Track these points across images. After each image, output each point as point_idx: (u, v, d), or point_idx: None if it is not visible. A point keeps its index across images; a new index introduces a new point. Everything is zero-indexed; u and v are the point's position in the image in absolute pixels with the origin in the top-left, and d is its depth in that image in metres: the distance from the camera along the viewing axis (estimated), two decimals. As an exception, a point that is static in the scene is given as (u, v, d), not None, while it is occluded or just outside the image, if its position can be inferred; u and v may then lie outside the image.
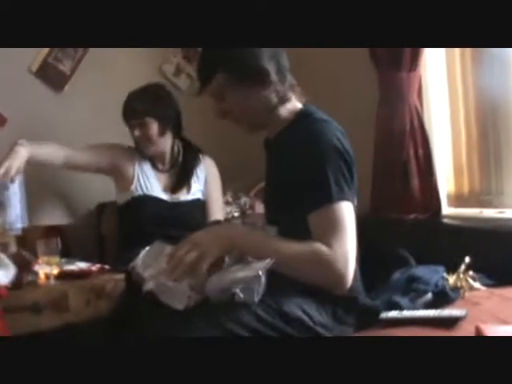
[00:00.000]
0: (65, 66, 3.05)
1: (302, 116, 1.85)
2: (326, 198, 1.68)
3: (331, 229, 1.66)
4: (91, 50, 3.08)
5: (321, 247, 1.65)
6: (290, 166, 1.76)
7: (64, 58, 3.05)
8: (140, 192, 2.69)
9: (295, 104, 1.88)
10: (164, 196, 2.71)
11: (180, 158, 2.79)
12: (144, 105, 2.66)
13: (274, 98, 1.82)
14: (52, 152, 2.61)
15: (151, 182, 2.71)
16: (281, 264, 1.65)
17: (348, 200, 1.71)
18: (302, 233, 1.69)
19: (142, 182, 2.70)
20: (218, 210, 2.78)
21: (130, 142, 2.78)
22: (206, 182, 2.80)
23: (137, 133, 2.67)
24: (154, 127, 2.66)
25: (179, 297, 1.68)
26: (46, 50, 3.00)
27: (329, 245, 1.65)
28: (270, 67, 1.79)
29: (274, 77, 1.79)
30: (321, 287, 1.70)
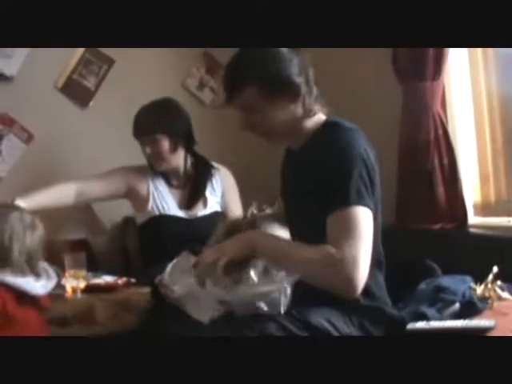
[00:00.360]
0: (89, 82, 3.09)
1: (328, 125, 1.85)
2: (343, 201, 1.67)
3: (344, 231, 1.65)
4: (115, 65, 3.12)
5: (330, 250, 1.63)
6: (315, 173, 1.76)
7: (88, 75, 3.08)
8: (156, 212, 2.68)
9: (319, 115, 1.88)
10: (181, 213, 2.70)
11: (193, 173, 2.77)
12: (154, 121, 2.63)
13: (300, 111, 1.83)
14: (58, 194, 2.59)
15: (167, 200, 2.70)
16: (293, 268, 1.66)
17: (367, 206, 1.70)
18: (320, 240, 1.68)
19: (157, 201, 2.69)
20: None
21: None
22: (223, 194, 2.78)
23: (148, 150, 2.65)
24: (164, 144, 2.64)
25: (205, 309, 1.69)
26: (71, 66, 3.05)
27: (339, 246, 1.63)
28: (301, 80, 1.80)
29: (303, 90, 1.80)
30: (331, 291, 1.68)
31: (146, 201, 2.70)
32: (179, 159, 2.71)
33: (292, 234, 1.95)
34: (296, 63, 1.80)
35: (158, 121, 2.63)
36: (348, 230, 1.65)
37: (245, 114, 1.85)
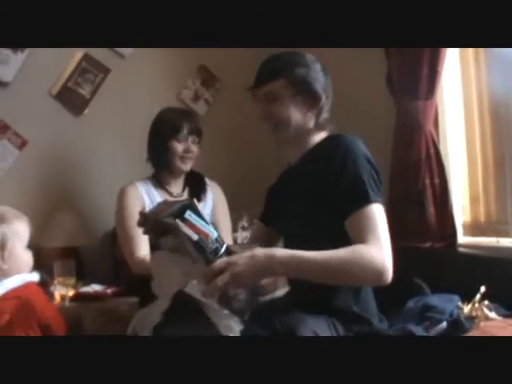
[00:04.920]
0: (84, 90, 3.10)
1: (329, 138, 1.95)
2: (364, 200, 1.75)
3: (368, 227, 1.72)
4: (110, 74, 3.13)
5: (360, 247, 1.69)
6: (324, 179, 1.82)
7: (84, 83, 3.09)
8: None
9: (324, 133, 1.98)
10: None
11: (188, 184, 2.77)
12: (200, 126, 2.71)
13: (313, 123, 1.94)
14: None
15: None
16: (325, 275, 1.68)
17: (381, 203, 1.78)
18: (330, 246, 1.70)
19: None
20: (226, 235, 2.72)
21: (145, 166, 2.77)
22: (213, 208, 2.76)
23: (184, 146, 2.64)
24: (198, 146, 2.70)
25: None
26: (67, 74, 3.06)
27: (367, 241, 1.69)
28: (323, 94, 1.93)
29: (322, 103, 1.93)
30: (366, 284, 1.80)
31: None
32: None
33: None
34: (324, 80, 1.95)
35: (199, 126, 2.72)
36: (371, 226, 1.72)
37: (265, 104, 1.94)
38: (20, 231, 2.14)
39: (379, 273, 1.67)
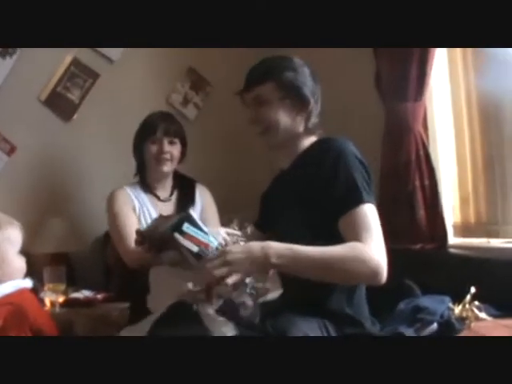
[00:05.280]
0: (73, 95, 3.09)
1: (319, 141, 1.97)
2: (357, 200, 1.77)
3: (362, 227, 1.74)
4: (99, 79, 3.12)
5: (356, 244, 1.71)
6: (315, 183, 1.83)
7: (72, 88, 3.08)
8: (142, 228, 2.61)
9: (313, 137, 1.99)
10: None
11: (176, 188, 2.78)
12: (179, 127, 2.73)
13: (302, 127, 1.95)
14: None
15: (152, 216, 2.65)
16: (320, 269, 1.69)
17: (373, 203, 1.80)
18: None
19: (142, 218, 2.64)
20: None
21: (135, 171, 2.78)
22: (201, 211, 2.76)
23: (167, 148, 2.66)
24: (179, 148, 2.71)
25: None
26: (55, 79, 3.05)
27: (362, 240, 1.71)
28: (311, 98, 1.94)
29: (311, 107, 1.94)
30: (361, 282, 1.81)
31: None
32: (173, 169, 2.74)
33: None
34: (312, 84, 1.96)
35: (180, 128, 2.75)
36: (365, 225, 1.74)
37: (254, 108, 1.96)
38: (12, 237, 2.14)
39: (375, 271, 1.69)
